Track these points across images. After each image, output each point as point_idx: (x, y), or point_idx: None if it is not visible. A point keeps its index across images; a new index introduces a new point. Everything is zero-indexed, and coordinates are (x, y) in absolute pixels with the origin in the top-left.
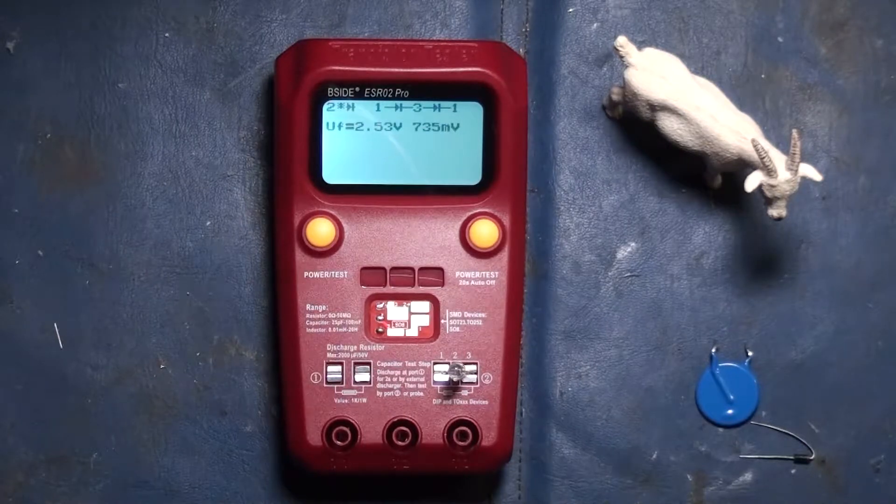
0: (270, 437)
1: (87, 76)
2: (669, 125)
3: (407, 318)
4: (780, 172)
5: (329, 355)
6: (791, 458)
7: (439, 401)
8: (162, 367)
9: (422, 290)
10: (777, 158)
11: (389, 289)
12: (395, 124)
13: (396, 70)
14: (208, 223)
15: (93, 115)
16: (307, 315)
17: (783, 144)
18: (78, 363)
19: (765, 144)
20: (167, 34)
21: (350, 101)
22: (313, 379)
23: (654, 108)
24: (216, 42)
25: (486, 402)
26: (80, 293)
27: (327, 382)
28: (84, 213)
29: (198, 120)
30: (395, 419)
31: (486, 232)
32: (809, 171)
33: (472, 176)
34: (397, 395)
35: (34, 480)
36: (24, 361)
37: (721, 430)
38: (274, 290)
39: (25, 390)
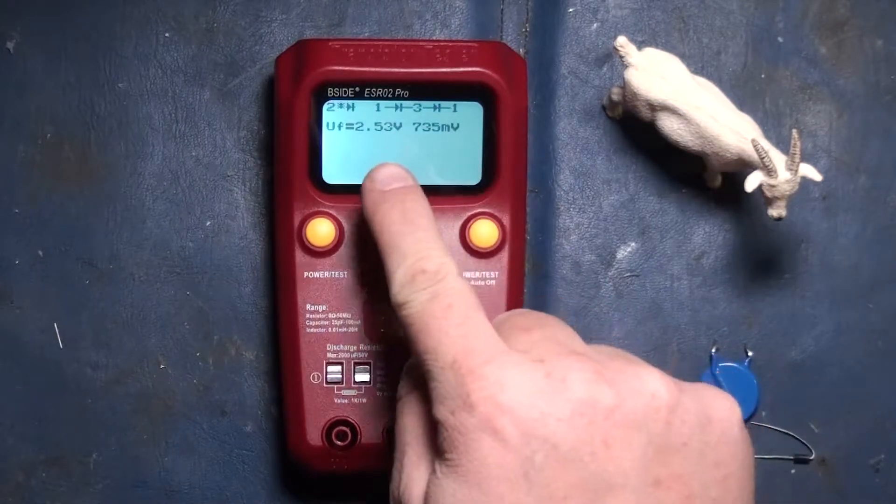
0: (270, 437)
1: (87, 76)
2: (669, 125)
3: None
4: (780, 172)
5: (329, 355)
6: (791, 458)
7: None
8: (162, 367)
9: None
10: (777, 158)
11: None
12: (395, 124)
13: (396, 70)
14: (208, 223)
15: (93, 115)
16: (307, 315)
17: (783, 144)
18: (78, 363)
19: (765, 144)
20: (167, 34)
21: (350, 101)
22: (313, 379)
23: (654, 108)
24: (216, 42)
25: None
26: (80, 293)
27: (327, 382)
28: (84, 213)
29: (198, 120)
30: None
31: (485, 232)
32: (809, 171)
33: (472, 176)
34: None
35: (34, 480)
36: (24, 361)
37: None
38: (274, 290)
39: (25, 390)
